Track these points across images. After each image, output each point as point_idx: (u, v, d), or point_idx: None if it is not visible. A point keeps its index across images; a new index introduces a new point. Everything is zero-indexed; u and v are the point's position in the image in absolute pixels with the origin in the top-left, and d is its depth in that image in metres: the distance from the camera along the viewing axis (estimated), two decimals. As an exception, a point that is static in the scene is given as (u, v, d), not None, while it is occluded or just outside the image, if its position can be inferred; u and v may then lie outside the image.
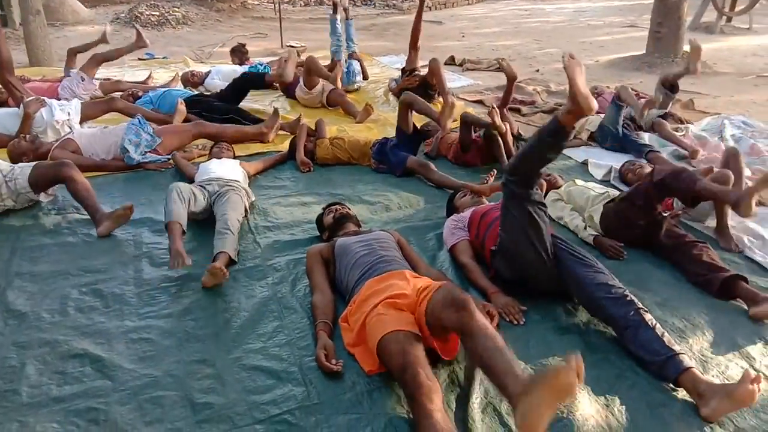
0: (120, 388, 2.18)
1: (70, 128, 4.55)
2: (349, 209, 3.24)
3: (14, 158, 3.96)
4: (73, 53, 5.98)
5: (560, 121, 2.38)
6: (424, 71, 5.77)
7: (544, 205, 2.58)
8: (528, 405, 1.65)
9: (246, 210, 3.47)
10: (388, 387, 2.15)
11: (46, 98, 4.73)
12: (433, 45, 9.53)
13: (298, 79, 6.09)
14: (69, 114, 4.75)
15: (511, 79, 4.69)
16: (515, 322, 2.51)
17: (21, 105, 4.59)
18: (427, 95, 5.78)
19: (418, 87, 5.66)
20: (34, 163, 3.64)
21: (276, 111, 4.86)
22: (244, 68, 6.66)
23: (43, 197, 3.66)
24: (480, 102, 5.96)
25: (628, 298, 2.37)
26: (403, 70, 5.99)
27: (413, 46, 5.88)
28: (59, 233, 3.35)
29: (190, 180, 3.81)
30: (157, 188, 3.97)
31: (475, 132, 4.40)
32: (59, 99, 5.23)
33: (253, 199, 3.71)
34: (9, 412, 2.07)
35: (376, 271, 2.50)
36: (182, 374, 2.25)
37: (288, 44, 9.34)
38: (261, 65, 6.65)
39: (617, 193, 3.39)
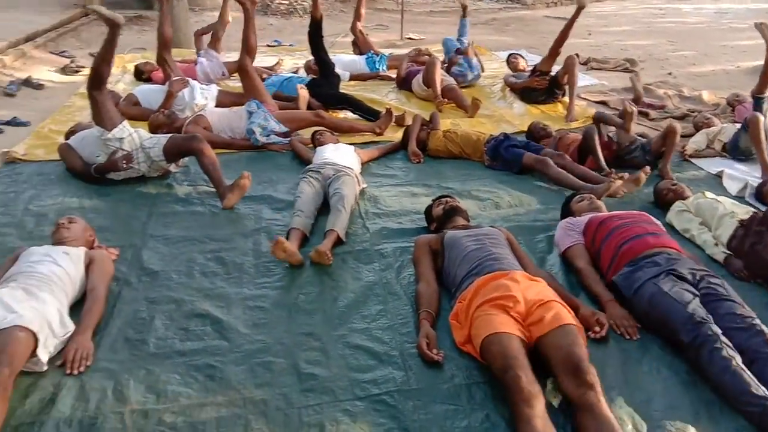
0: (235, 349, 2.34)
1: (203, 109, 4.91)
2: (459, 203, 3.24)
3: (152, 129, 4.33)
4: (198, 35, 6.49)
5: None
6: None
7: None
8: None
9: (357, 195, 3.57)
10: (488, 384, 2.15)
11: (190, 80, 5.13)
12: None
13: (413, 71, 6.13)
14: (206, 99, 5.13)
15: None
16: (627, 336, 2.39)
17: (167, 83, 5.01)
18: (553, 95, 5.65)
19: (545, 89, 5.59)
20: (170, 134, 3.96)
21: (389, 111, 4.89)
22: (363, 58, 6.83)
23: (173, 167, 3.98)
24: (604, 103, 5.70)
25: (758, 328, 2.19)
26: (534, 70, 5.81)
27: (555, 50, 5.67)
28: (190, 202, 3.64)
29: (308, 162, 3.99)
30: (278, 168, 4.19)
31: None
32: (196, 79, 5.67)
33: (365, 186, 3.81)
34: (138, 360, 2.29)
35: (485, 268, 2.49)
36: (291, 344, 2.38)
37: (407, 36, 9.43)
38: (376, 56, 6.78)
39: (751, 210, 3.12)
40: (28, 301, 2.24)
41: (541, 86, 5.62)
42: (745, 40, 9.11)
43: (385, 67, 6.75)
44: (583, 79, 6.62)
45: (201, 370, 2.22)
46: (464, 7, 6.79)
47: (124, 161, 3.69)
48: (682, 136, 4.42)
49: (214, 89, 5.34)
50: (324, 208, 3.41)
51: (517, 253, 2.76)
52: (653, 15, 12.00)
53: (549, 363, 2.10)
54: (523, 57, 6.62)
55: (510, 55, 6.63)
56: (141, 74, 6.24)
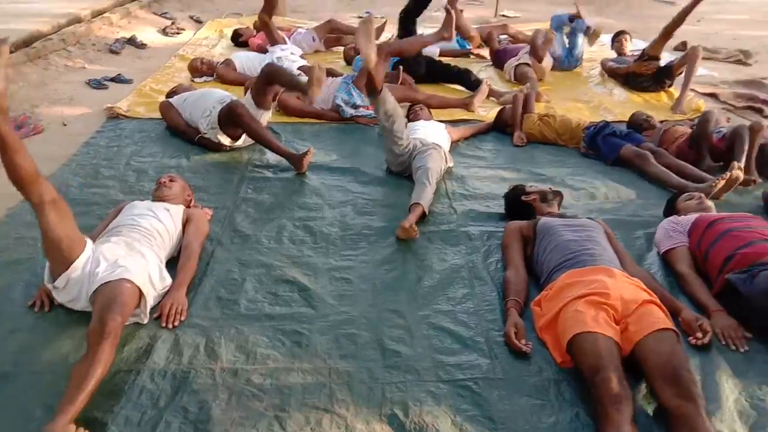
0: (321, 319, 2.36)
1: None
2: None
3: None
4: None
5: None
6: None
7: None
8: None
9: (442, 170, 3.50)
10: (578, 382, 2.06)
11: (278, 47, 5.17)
12: (660, 27, 8.65)
13: (510, 49, 5.94)
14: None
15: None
16: (734, 347, 2.23)
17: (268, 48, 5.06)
18: (661, 83, 5.33)
19: (652, 75, 5.29)
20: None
21: (487, 86, 4.78)
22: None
23: (228, 141, 3.88)
24: (713, 96, 5.29)
25: None
26: (642, 54, 5.47)
27: (668, 34, 5.30)
28: (280, 170, 3.69)
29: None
30: (364, 141, 4.18)
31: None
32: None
33: (451, 164, 3.73)
34: (229, 319, 2.35)
35: (580, 262, 2.38)
36: (376, 319, 2.37)
37: (501, 14, 9.14)
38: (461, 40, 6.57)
39: None
40: (131, 255, 2.35)
41: (649, 71, 5.29)
42: None
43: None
44: (691, 69, 6.18)
45: (288, 336, 2.26)
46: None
47: (227, 147, 3.85)
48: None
49: (299, 63, 5.35)
50: (408, 180, 3.37)
51: (616, 249, 2.62)
52: (772, 3, 11.03)
53: (645, 368, 1.99)
54: (630, 38, 6.20)
55: (618, 34, 6.18)
56: (238, 38, 6.36)
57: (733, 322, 2.31)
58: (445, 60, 5.87)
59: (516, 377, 2.09)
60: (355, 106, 4.50)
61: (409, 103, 4.48)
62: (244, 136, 3.88)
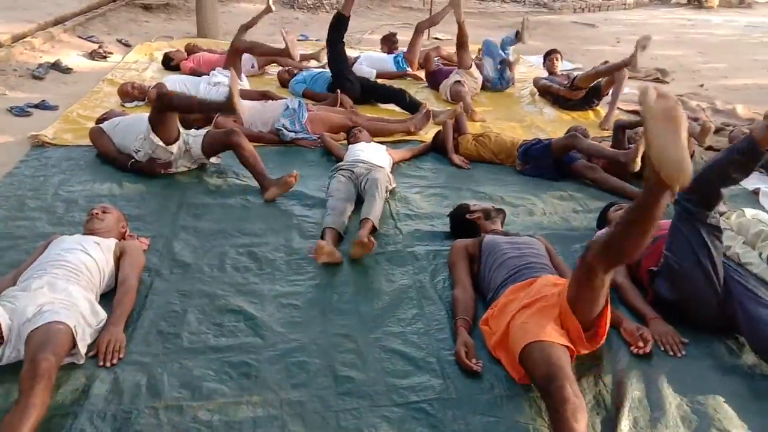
0: (270, 348, 2.30)
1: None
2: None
3: (186, 125, 4.28)
4: (243, 29, 6.36)
5: (755, 139, 2.17)
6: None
7: (720, 231, 2.37)
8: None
9: (387, 189, 3.52)
10: (530, 396, 2.09)
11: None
12: (584, 48, 9.12)
13: (445, 70, 6.08)
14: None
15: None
16: (671, 353, 2.33)
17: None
18: (589, 103, 5.60)
19: (580, 99, 5.57)
20: (204, 131, 3.92)
21: (428, 112, 4.84)
22: (392, 57, 6.76)
23: (213, 160, 3.94)
24: (636, 113, 5.59)
25: None
26: (571, 84, 5.65)
27: (597, 75, 5.49)
28: (220, 194, 3.60)
29: (339, 160, 3.96)
30: (307, 164, 4.15)
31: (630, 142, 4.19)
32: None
33: (394, 185, 3.76)
34: (171, 354, 2.25)
35: (521, 276, 2.43)
36: (326, 344, 2.33)
37: (434, 36, 9.36)
38: (400, 57, 6.70)
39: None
40: (55, 295, 2.22)
41: (575, 98, 5.57)
42: (777, 55, 8.96)
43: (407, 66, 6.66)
44: (613, 88, 6.51)
45: (236, 368, 2.18)
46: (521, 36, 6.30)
47: (162, 168, 3.73)
48: (715, 150, 4.34)
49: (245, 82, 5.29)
50: (357, 206, 3.37)
51: (557, 264, 2.70)
52: (682, 25, 11.84)
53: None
54: (561, 57, 6.43)
55: (549, 53, 6.37)
56: (170, 62, 6.21)
57: (670, 328, 2.42)
58: (380, 81, 5.95)
59: (469, 396, 2.10)
60: (297, 131, 4.47)
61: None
62: (179, 160, 3.77)
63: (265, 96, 5.05)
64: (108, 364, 2.15)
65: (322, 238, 2.98)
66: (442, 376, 2.19)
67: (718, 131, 5.11)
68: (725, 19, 12.67)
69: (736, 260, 3.01)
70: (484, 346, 2.34)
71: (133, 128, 3.80)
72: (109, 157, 3.91)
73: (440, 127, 4.51)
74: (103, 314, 2.32)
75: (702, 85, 6.92)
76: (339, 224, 3.11)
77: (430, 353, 2.31)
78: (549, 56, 6.33)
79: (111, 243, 2.65)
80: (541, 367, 1.96)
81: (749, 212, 3.29)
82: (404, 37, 7.46)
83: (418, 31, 6.72)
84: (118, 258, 2.62)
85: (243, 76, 5.34)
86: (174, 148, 3.70)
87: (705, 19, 12.71)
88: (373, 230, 3.05)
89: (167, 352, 2.26)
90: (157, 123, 3.61)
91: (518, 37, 6.14)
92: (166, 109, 3.60)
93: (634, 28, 11.05)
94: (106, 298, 2.48)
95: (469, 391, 2.12)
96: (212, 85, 5.02)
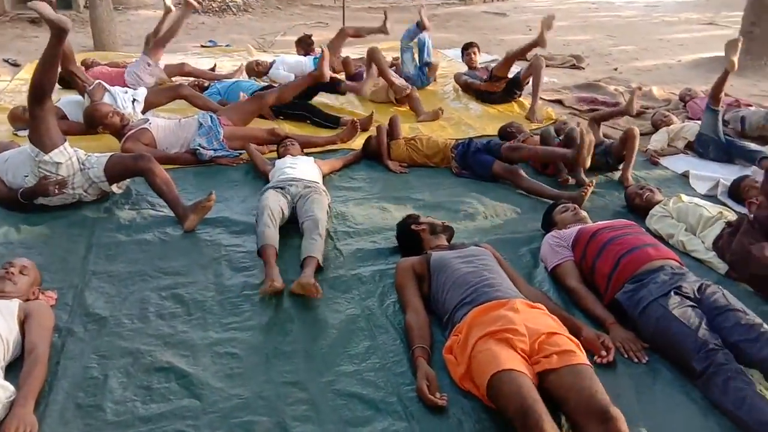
0: (209, 409, 2.03)
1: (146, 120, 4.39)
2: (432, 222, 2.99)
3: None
4: (153, 38, 5.87)
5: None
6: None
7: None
8: None
9: (328, 212, 3.29)
10: (500, 428, 1.94)
11: (106, 85, 4.64)
12: (498, 38, 9.20)
13: (362, 73, 5.90)
14: (135, 101, 4.66)
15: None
16: (636, 360, 2.25)
17: (85, 93, 4.54)
18: (511, 95, 5.56)
19: (502, 92, 5.54)
20: (111, 153, 3.54)
21: (354, 123, 4.60)
22: (309, 59, 6.49)
23: (115, 188, 3.55)
24: (559, 102, 5.63)
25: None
26: (490, 75, 5.62)
27: (510, 59, 5.53)
28: (135, 230, 3.23)
29: (264, 175, 3.68)
30: (230, 184, 3.83)
31: (558, 136, 4.14)
32: (126, 85, 5.18)
33: (329, 200, 3.53)
34: (94, 431, 1.94)
35: (481, 296, 2.27)
36: (273, 397, 2.08)
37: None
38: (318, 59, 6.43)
39: (734, 215, 3.06)
40: None
41: (498, 89, 5.51)
42: (680, 33, 9.38)
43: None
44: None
45: (171, 440, 1.90)
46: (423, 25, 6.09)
47: (56, 186, 3.25)
48: (641, 134, 4.39)
49: (142, 90, 4.84)
50: (290, 224, 3.11)
51: (507, 272, 2.56)
52: (588, 9, 12.24)
53: (564, 403, 1.92)
54: (479, 50, 6.36)
55: (467, 46, 6.24)
56: (63, 79, 5.64)
57: (630, 333, 2.35)
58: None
59: (437, 437, 1.92)
60: (216, 149, 4.13)
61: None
62: (75, 178, 3.35)
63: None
64: (17, 457, 1.81)
65: (259, 255, 2.77)
66: (406, 417, 2.00)
67: (639, 115, 5.21)
68: (626, 1, 13.21)
69: (681, 248, 3.01)
70: (447, 373, 2.17)
71: (22, 158, 3.35)
72: (1, 199, 3.43)
73: (369, 136, 4.31)
74: (10, 388, 1.98)
75: (616, 69, 7.10)
76: (275, 240, 2.86)
77: (390, 392, 2.11)
78: (467, 50, 6.26)
79: (14, 306, 2.28)
80: (513, 400, 1.84)
81: (685, 198, 3.31)
82: (318, 38, 7.21)
83: (342, 35, 6.49)
84: (23, 322, 2.25)
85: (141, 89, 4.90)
86: (59, 156, 3.25)
87: (608, 1, 13.20)
88: (318, 268, 2.78)
89: (89, 429, 1.95)
90: (33, 129, 3.20)
91: (419, 25, 6.01)
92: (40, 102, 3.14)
93: (543, 14, 11.29)
94: (14, 367, 2.12)
95: (437, 429, 1.95)
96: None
